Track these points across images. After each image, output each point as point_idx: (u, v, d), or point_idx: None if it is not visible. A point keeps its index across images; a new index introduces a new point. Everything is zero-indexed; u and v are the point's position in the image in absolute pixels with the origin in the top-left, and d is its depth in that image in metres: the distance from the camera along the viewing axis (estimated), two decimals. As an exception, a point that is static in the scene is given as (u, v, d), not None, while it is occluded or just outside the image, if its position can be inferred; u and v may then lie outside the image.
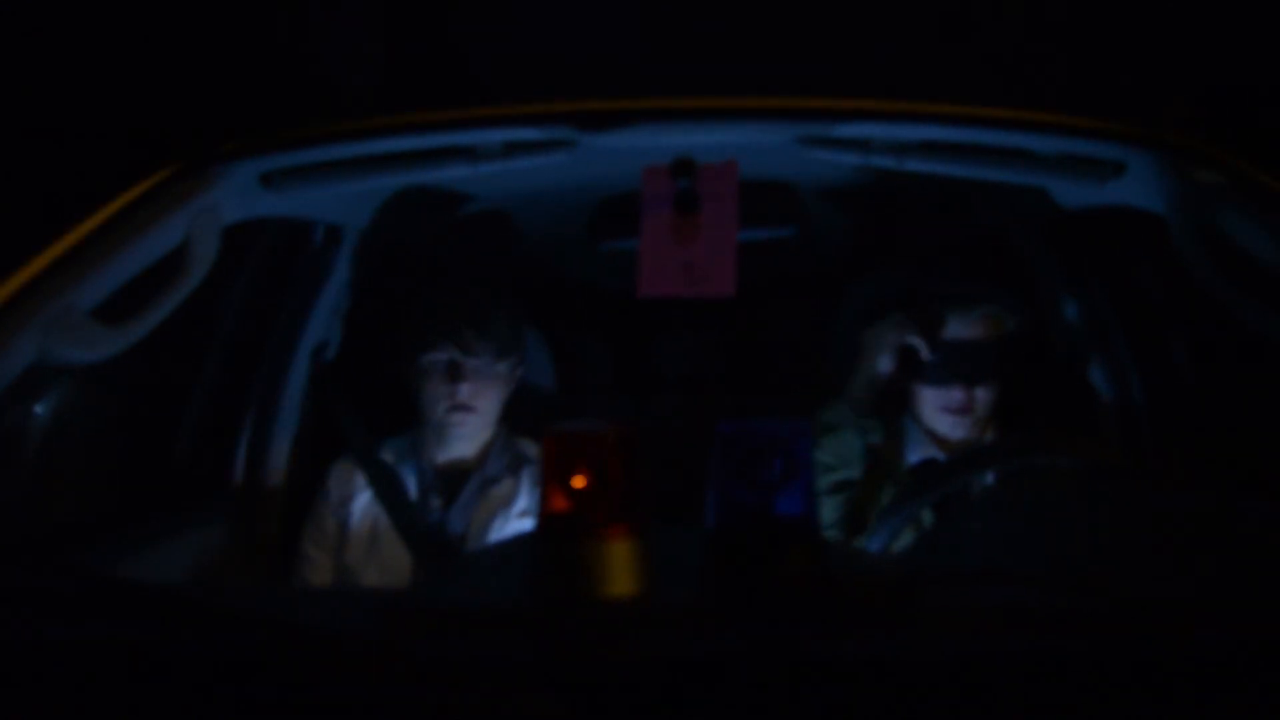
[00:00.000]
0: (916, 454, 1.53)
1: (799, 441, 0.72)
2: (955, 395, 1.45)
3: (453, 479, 1.58)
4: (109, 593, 0.73)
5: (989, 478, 1.45)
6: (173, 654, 0.67)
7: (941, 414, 1.48)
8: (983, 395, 1.46)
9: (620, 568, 0.69)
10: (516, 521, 1.56)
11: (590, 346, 2.49)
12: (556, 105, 1.32)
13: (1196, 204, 1.22)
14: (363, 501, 1.57)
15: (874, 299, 1.62)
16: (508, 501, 1.58)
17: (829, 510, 1.53)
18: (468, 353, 1.53)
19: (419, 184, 1.55)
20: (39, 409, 1.37)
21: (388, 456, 1.60)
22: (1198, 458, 1.59)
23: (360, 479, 1.57)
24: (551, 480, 0.70)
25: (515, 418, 1.66)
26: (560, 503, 0.69)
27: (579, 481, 0.69)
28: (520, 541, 1.46)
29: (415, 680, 0.64)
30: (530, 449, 1.64)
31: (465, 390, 1.52)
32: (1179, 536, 1.34)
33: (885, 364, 1.50)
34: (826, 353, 1.73)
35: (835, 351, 1.68)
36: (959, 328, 1.47)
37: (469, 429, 1.56)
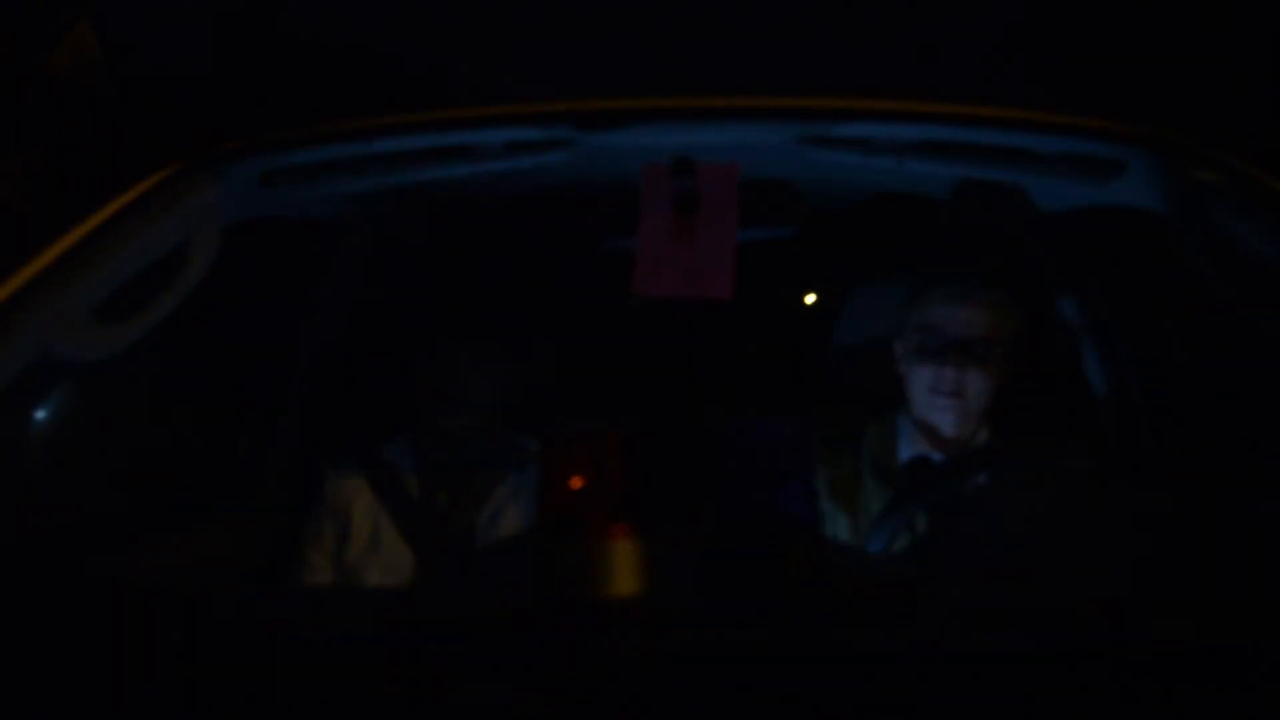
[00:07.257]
0: (909, 451, 1.52)
1: (800, 441, 0.72)
2: (946, 374, 1.43)
3: (457, 477, 1.59)
4: (109, 593, 0.73)
5: (986, 479, 1.44)
6: (172, 653, 0.67)
7: (932, 397, 1.46)
8: (974, 382, 1.43)
9: (620, 568, 0.69)
10: (525, 513, 1.56)
11: (590, 346, 2.48)
12: (556, 104, 1.32)
13: (1196, 204, 1.22)
14: (361, 503, 1.56)
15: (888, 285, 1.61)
16: (514, 495, 1.58)
17: (828, 510, 1.53)
18: (476, 349, 1.54)
19: (419, 183, 1.55)
20: (39, 409, 1.37)
21: (387, 457, 1.60)
22: (1196, 457, 1.59)
23: (358, 480, 1.57)
24: (552, 480, 0.70)
25: (515, 417, 1.66)
26: (560, 503, 0.69)
27: (579, 482, 0.69)
28: (520, 541, 1.46)
29: (415, 680, 0.65)
30: (530, 444, 1.64)
31: (476, 385, 1.53)
32: (1174, 537, 1.34)
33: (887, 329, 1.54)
34: (829, 350, 1.72)
35: (840, 346, 1.67)
36: (960, 308, 1.45)
37: (479, 425, 1.57)
